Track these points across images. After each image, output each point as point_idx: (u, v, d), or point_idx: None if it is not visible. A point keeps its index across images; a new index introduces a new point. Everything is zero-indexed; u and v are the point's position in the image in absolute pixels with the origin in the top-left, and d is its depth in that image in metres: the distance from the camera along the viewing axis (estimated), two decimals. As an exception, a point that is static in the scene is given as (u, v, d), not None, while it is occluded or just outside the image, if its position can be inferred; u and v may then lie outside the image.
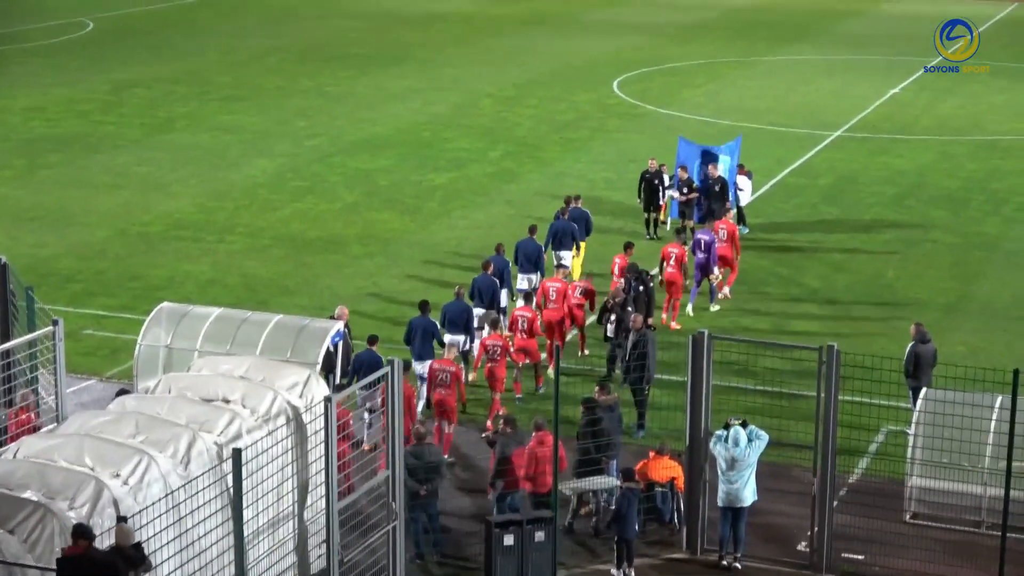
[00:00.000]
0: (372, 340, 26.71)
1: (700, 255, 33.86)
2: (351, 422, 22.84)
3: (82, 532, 16.66)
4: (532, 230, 33.60)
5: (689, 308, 33.54)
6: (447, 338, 28.15)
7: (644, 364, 26.49)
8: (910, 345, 26.45)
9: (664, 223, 39.25)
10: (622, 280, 30.67)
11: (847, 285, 35.96)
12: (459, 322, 28.65)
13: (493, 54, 70.71)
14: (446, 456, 24.70)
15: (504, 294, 30.93)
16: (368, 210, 42.41)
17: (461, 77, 64.13)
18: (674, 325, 32.39)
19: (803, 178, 45.96)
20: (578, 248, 34.65)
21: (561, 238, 34.13)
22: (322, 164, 47.96)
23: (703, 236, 34.23)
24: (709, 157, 39.04)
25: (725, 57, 70.70)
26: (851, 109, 57.25)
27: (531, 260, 32.69)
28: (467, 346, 28.79)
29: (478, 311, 29.82)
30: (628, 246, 32.96)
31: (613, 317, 29.15)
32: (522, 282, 32.39)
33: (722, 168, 38.74)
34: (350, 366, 26.66)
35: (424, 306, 28.30)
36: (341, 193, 44.32)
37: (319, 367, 23.85)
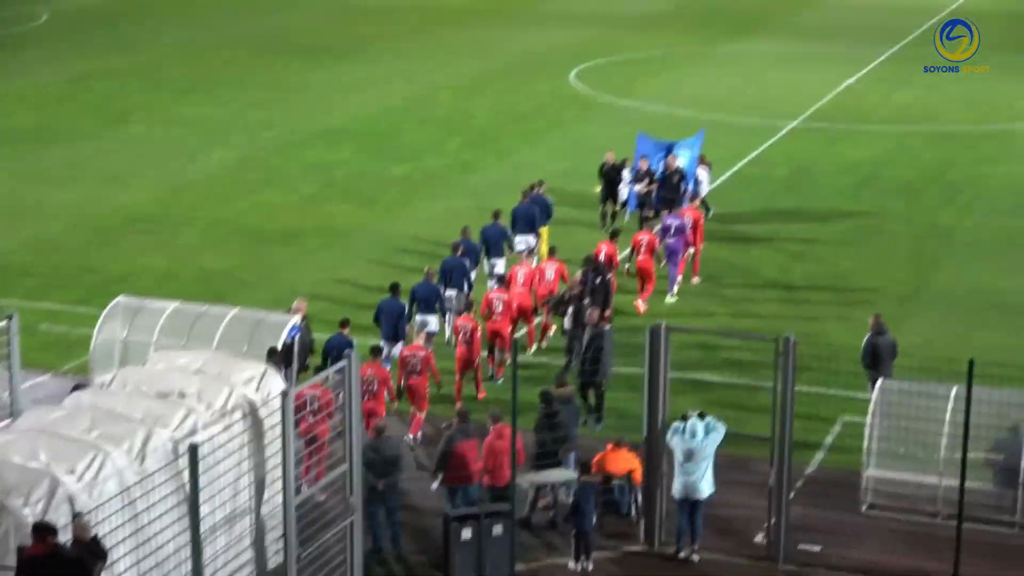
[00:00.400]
0: (344, 323, 26.91)
1: (670, 240, 34.12)
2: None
3: (47, 529, 16.54)
4: (496, 215, 34.10)
5: (671, 297, 33.82)
6: (417, 318, 28.44)
7: (599, 360, 26.41)
8: (867, 336, 26.49)
9: (622, 213, 39.22)
10: (579, 272, 30.73)
11: (804, 275, 36.08)
12: (430, 302, 29.14)
13: (449, 45, 70.60)
14: (414, 436, 24.83)
15: (472, 275, 31.39)
16: (326, 202, 42.31)
17: (417, 69, 64.01)
18: (642, 307, 32.49)
19: (760, 168, 46.09)
20: (537, 234, 34.88)
21: (522, 222, 34.54)
22: (279, 156, 47.81)
23: (671, 220, 34.48)
24: (666, 149, 39.23)
25: (682, 47, 70.80)
26: (807, 99, 57.41)
27: (496, 244, 33.25)
28: (437, 328, 29.26)
29: (450, 292, 30.37)
30: (615, 234, 33.68)
31: (571, 309, 29.14)
32: (495, 266, 33.01)
33: (682, 162, 38.86)
34: (309, 358, 26.61)
35: (394, 288, 28.77)
36: (298, 185, 44.20)
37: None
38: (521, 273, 30.52)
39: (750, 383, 26.75)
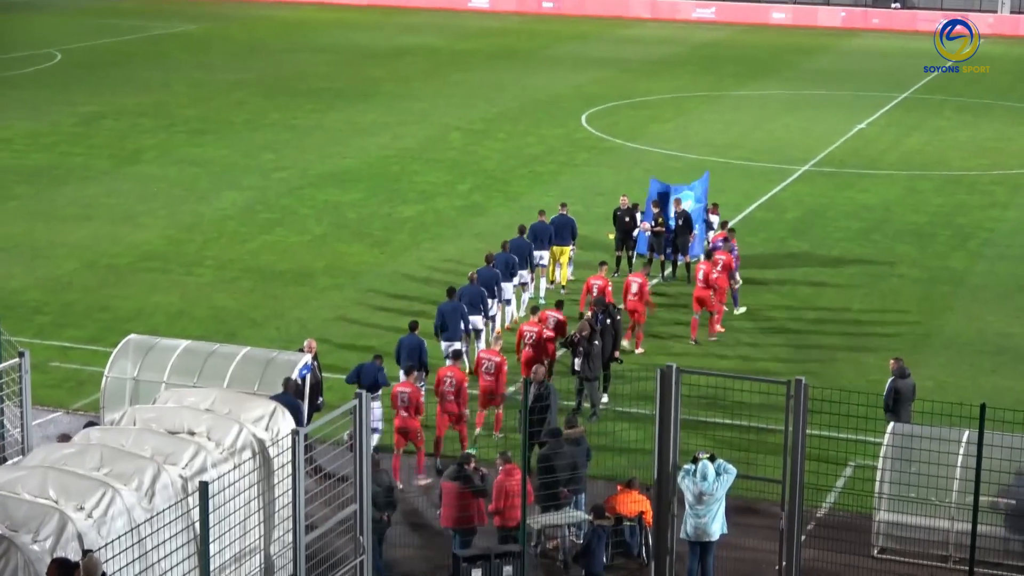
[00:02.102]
0: (413, 326, 28.45)
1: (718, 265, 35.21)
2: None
3: (67, 566, 16.41)
4: (521, 230, 36.14)
5: (738, 310, 35.58)
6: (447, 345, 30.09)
7: (545, 419, 25.23)
8: (890, 380, 26.32)
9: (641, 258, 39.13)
10: (589, 314, 30.67)
11: (815, 318, 35.98)
12: (476, 304, 31.40)
13: (461, 88, 70.77)
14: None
15: (509, 287, 34.03)
16: (337, 242, 42.31)
17: (429, 111, 64.14)
18: (639, 350, 32.53)
19: (770, 212, 46.08)
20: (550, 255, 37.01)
21: (541, 238, 36.49)
22: (291, 197, 47.84)
23: (719, 244, 36.01)
24: (676, 194, 39.33)
25: (693, 92, 70.92)
26: (818, 144, 57.45)
27: (523, 257, 34.90)
28: (483, 326, 31.84)
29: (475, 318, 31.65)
30: (602, 264, 34.13)
31: (580, 350, 29.08)
32: (518, 277, 34.74)
33: (688, 205, 38.91)
34: (320, 397, 26.57)
35: (451, 291, 31.16)
36: (310, 225, 44.21)
37: (286, 400, 23.72)
38: (530, 333, 29.93)
39: (761, 426, 26.61)
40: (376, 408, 26.21)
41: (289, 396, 23.94)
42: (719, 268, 34.08)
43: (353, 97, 67.42)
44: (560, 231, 37.08)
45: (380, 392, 26.80)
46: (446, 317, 30.43)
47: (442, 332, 30.42)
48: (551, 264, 37.45)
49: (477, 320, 31.44)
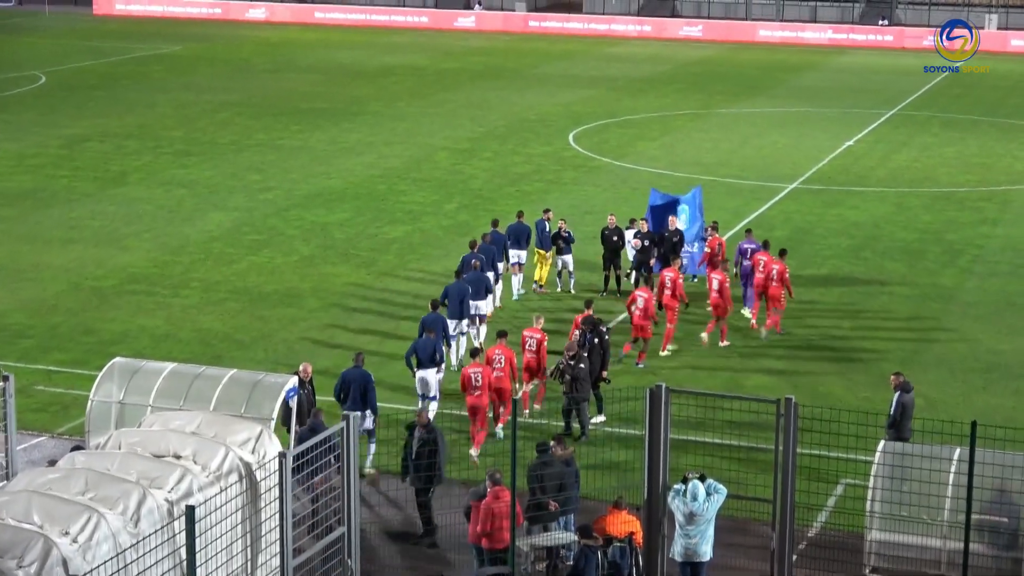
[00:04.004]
0: (358, 358, 27.99)
1: (747, 263, 36.42)
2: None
3: None
4: (520, 215, 39.15)
5: (746, 312, 36.48)
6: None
7: (434, 463, 24.49)
8: (896, 395, 26.23)
9: (628, 276, 39.13)
10: (577, 333, 30.64)
11: (804, 336, 35.95)
12: (480, 289, 34.01)
13: (447, 107, 70.82)
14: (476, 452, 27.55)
15: (501, 266, 36.96)
16: (324, 263, 42.25)
17: (415, 130, 64.17)
18: (640, 364, 32.65)
19: (758, 230, 45.90)
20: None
21: (519, 238, 38.47)
22: (277, 217, 47.79)
23: (748, 244, 37.31)
24: (673, 208, 39.48)
25: (680, 110, 71.03)
26: (806, 161, 57.54)
27: (520, 239, 38.26)
28: (487, 310, 34.73)
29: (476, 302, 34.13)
30: (588, 303, 33.02)
31: (565, 374, 29.12)
32: (512, 257, 37.92)
33: (682, 222, 39.03)
34: (311, 418, 26.47)
35: (459, 273, 33.91)
36: (297, 246, 44.15)
37: (273, 423, 23.67)
38: (532, 340, 30.22)
39: (751, 445, 26.55)
40: (433, 376, 29.14)
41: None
42: (638, 305, 33.29)
43: (339, 117, 67.42)
44: (517, 238, 38.45)
45: (440, 360, 29.42)
46: (450, 296, 32.89)
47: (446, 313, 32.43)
48: (540, 266, 39.15)
49: (481, 304, 34.08)
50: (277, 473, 18.52)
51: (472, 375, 28.33)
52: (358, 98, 73.31)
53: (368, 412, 27.09)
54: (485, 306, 34.57)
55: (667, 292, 34.44)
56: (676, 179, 52.79)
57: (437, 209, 49.25)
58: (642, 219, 39.28)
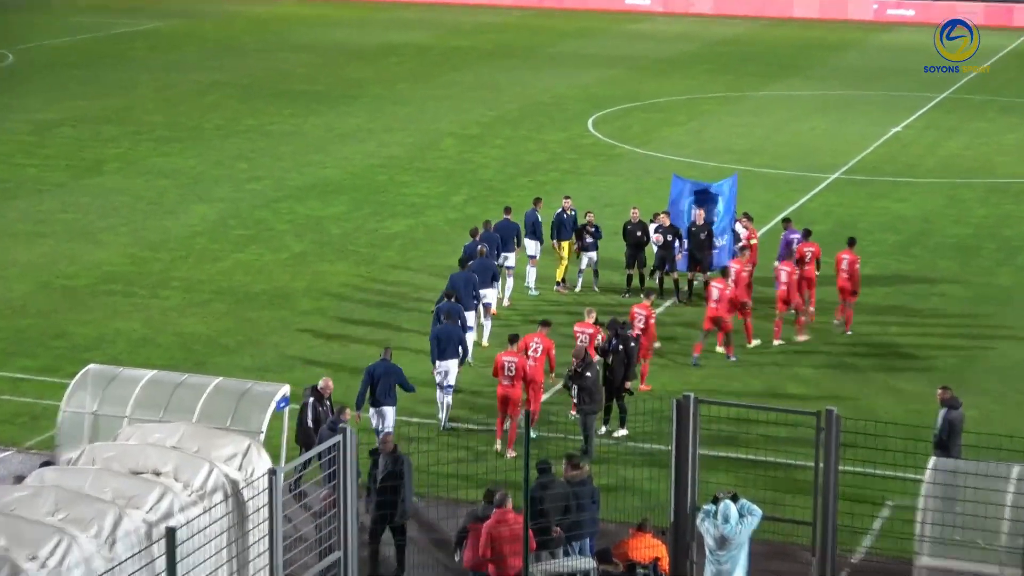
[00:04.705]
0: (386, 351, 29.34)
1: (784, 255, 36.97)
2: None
3: None
4: (507, 210, 39.32)
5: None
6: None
7: (398, 492, 24.19)
8: (941, 412, 26.08)
9: (652, 275, 39.05)
10: (598, 336, 30.65)
11: (847, 342, 35.82)
12: (486, 277, 34.89)
13: (454, 90, 70.76)
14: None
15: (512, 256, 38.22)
16: (318, 261, 42.20)
17: (419, 115, 64.11)
18: (644, 386, 32.41)
19: (798, 225, 45.93)
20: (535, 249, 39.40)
21: (505, 239, 38.36)
22: (267, 210, 47.76)
23: (792, 235, 37.84)
24: (703, 197, 39.28)
25: (709, 92, 70.94)
26: (849, 149, 57.40)
27: (509, 239, 38.38)
28: (493, 299, 35.48)
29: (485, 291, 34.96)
30: (651, 292, 34.77)
31: (571, 382, 29.04)
32: (501, 259, 37.66)
33: (716, 207, 39.01)
34: (333, 416, 26.49)
35: (464, 262, 34.60)
36: (288, 242, 44.11)
37: (262, 436, 23.60)
38: (536, 345, 30.36)
39: (789, 462, 26.46)
40: (455, 367, 30.34)
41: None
42: (639, 323, 33.14)
43: (335, 100, 67.41)
44: (505, 238, 38.39)
45: (465, 352, 30.74)
46: (458, 287, 33.35)
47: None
48: (561, 263, 39.36)
49: (487, 294, 34.91)
50: (267, 492, 18.45)
51: (506, 363, 29.01)
52: (357, 80, 73.29)
53: (391, 410, 28.42)
54: (492, 295, 35.36)
55: (732, 287, 34.58)
56: (705, 169, 52.69)
57: (443, 201, 49.20)
58: (663, 212, 39.20)
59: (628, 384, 30.03)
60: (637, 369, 31.14)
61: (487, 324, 35.14)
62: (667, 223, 38.57)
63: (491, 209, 47.01)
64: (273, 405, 24.18)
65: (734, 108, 66.91)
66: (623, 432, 29.82)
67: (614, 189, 50.52)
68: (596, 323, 31.36)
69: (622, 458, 28.32)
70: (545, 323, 30.98)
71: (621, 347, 29.95)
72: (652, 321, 32.93)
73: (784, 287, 35.66)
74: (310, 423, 26.68)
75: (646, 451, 27.65)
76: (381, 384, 28.46)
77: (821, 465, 21.45)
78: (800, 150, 57.49)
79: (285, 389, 25.30)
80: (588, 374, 28.80)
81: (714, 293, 34.37)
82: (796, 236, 37.86)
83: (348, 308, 37.99)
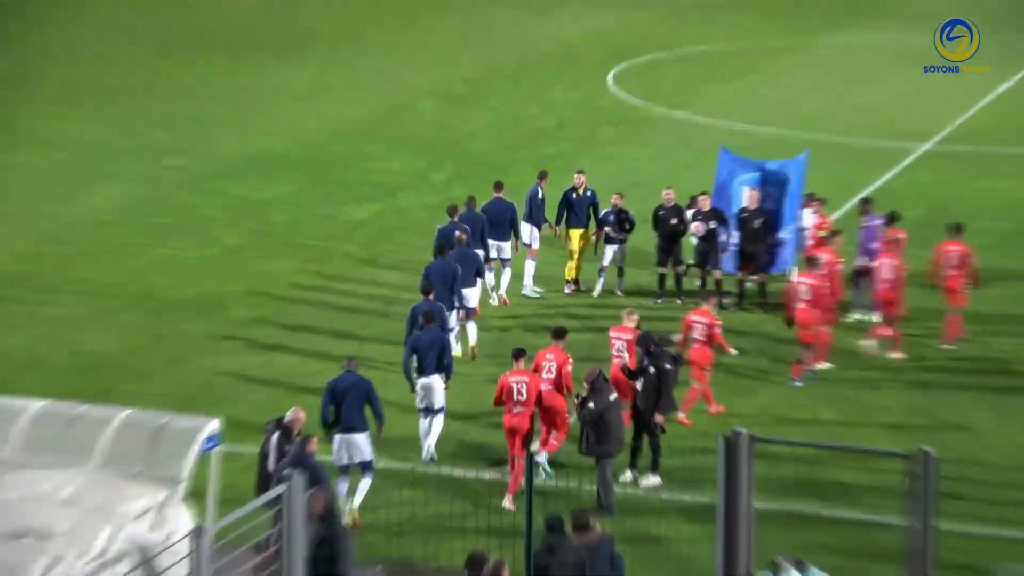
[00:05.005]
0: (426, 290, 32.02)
1: (861, 258, 37.29)
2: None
3: None
4: (498, 187, 39.41)
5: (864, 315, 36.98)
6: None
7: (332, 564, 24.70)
8: None
9: (685, 273, 38.97)
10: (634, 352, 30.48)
11: (944, 362, 35.69)
12: (468, 272, 34.98)
13: (435, 37, 70.89)
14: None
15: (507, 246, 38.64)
16: (259, 257, 42.17)
17: (390, 69, 64.17)
18: (684, 418, 32.13)
19: (878, 210, 45.88)
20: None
21: (496, 223, 38.77)
22: (193, 192, 47.75)
23: (874, 221, 38.14)
24: (754, 176, 39.13)
25: (764, 40, 71.00)
26: (945, 113, 57.45)
27: (502, 223, 38.67)
28: (475, 301, 35.67)
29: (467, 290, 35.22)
30: (712, 294, 34.28)
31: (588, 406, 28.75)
32: (492, 249, 38.22)
33: (776, 193, 38.87)
34: (295, 447, 26.37)
35: (442, 249, 34.76)
36: (220, 233, 44.07)
37: (184, 485, 23.38)
38: (550, 364, 30.28)
39: (871, 518, 26.36)
40: (439, 384, 30.30)
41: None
42: (697, 333, 33.19)
43: (280, 50, 67.47)
44: (496, 221, 38.77)
45: (449, 364, 30.67)
46: (435, 280, 33.71)
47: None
48: (572, 257, 39.93)
49: (469, 295, 35.18)
50: (190, 557, 18.21)
51: (515, 385, 28.90)
52: (308, 24, 73.35)
53: (364, 437, 27.95)
54: (474, 295, 35.56)
55: (804, 300, 34.34)
56: (759, 138, 52.69)
57: (421, 180, 49.20)
58: (702, 194, 38.93)
59: (659, 418, 29.67)
60: (677, 397, 30.86)
61: (471, 329, 35.13)
62: (708, 207, 38.37)
63: (482, 190, 46.89)
64: (199, 445, 24.00)
65: (797, 60, 66.98)
66: (654, 480, 29.59)
67: (642, 165, 50.47)
68: (638, 328, 31.22)
69: (653, 513, 28.13)
70: (559, 333, 30.71)
71: (652, 369, 29.63)
72: (717, 331, 32.67)
73: (888, 286, 35.56)
74: (272, 468, 26.46)
75: (685, 504, 27.50)
76: (348, 402, 28.33)
77: (912, 522, 21.24)
78: (882, 114, 57.57)
79: (214, 424, 25.10)
80: (591, 404, 28.40)
81: (802, 291, 34.12)
82: (878, 223, 37.85)
83: (297, 318, 37.89)
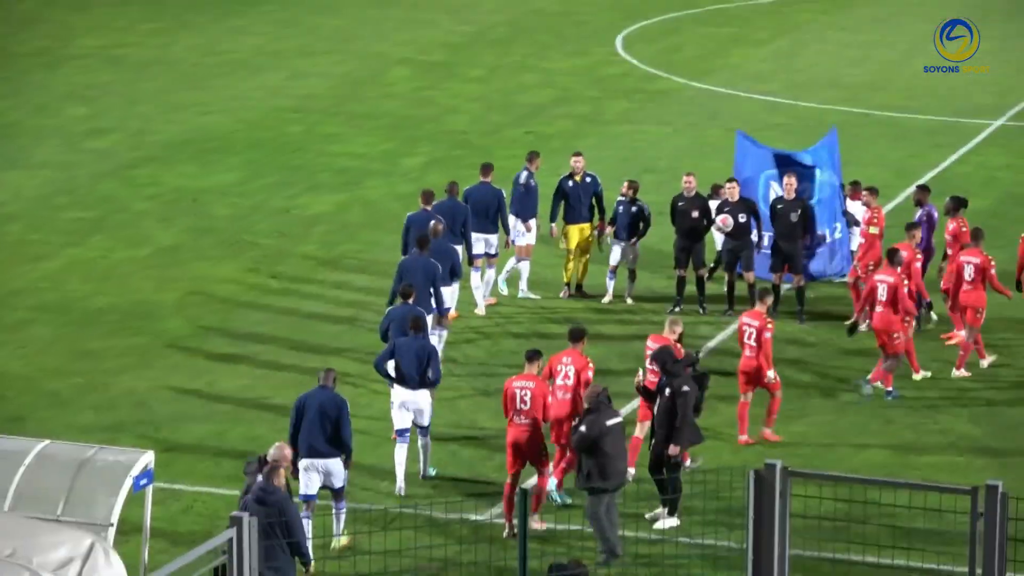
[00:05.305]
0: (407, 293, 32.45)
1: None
2: None
3: None
4: (486, 170, 40.00)
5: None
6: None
7: None
8: None
9: (710, 276, 39.15)
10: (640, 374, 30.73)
11: (1016, 382, 35.92)
12: (445, 269, 35.36)
13: (409, -9, 70.96)
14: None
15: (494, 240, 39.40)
16: (197, 259, 42.25)
17: (354, 31, 64.21)
18: (770, 434, 32.76)
19: (940, 199, 46.10)
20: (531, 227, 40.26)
21: (480, 213, 39.41)
22: (117, 181, 47.82)
23: (927, 210, 38.71)
24: (786, 167, 39.29)
25: (803, -6, 71.20)
26: (1022, 81, 57.48)
27: (488, 214, 39.32)
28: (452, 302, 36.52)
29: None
30: (768, 293, 34.48)
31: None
32: (477, 244, 38.95)
33: (812, 187, 39.08)
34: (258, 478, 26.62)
35: (421, 243, 35.06)
36: (151, 230, 44.17)
37: (112, 529, 23.68)
38: (567, 369, 30.76)
39: (930, 566, 26.63)
40: (427, 400, 30.99)
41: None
42: (751, 338, 33.51)
43: (222, 8, 67.43)
44: (480, 211, 39.35)
45: (435, 376, 31.10)
46: (413, 277, 34.27)
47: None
48: (568, 259, 40.28)
49: (446, 293, 35.61)
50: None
51: (518, 392, 29.19)
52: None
53: (337, 461, 28.18)
54: (451, 296, 36.36)
55: (883, 304, 34.65)
56: (798, 112, 52.86)
57: (391, 166, 49.31)
58: (729, 181, 38.99)
59: (674, 449, 29.66)
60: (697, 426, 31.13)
61: (442, 336, 35.53)
62: (736, 197, 38.37)
63: (466, 177, 47.20)
64: (129, 482, 24.29)
65: (843, 19, 67.10)
66: (671, 522, 29.81)
67: (657, 145, 50.61)
68: (679, 340, 31.47)
69: (670, 560, 28.41)
70: (577, 335, 31.11)
71: (668, 391, 29.69)
72: (768, 335, 33.00)
73: (971, 287, 35.81)
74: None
75: (708, 548, 27.76)
76: (319, 422, 28.54)
77: (979, 571, 21.59)
78: (944, 83, 57.63)
79: (148, 458, 25.43)
80: (583, 428, 28.51)
81: (880, 291, 34.51)
82: (923, 211, 38.46)
83: (245, 331, 38.02)
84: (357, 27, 64.58)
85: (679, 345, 31.08)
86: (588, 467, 28.21)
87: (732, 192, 38.58)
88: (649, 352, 31.07)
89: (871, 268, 36.68)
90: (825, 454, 32.29)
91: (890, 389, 34.60)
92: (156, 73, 58.46)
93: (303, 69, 59.13)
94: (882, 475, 30.39)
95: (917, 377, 35.30)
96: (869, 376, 34.67)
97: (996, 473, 27.03)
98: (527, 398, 29.06)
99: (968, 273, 35.48)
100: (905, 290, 34.45)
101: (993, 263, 35.72)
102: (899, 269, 34.78)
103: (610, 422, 28.31)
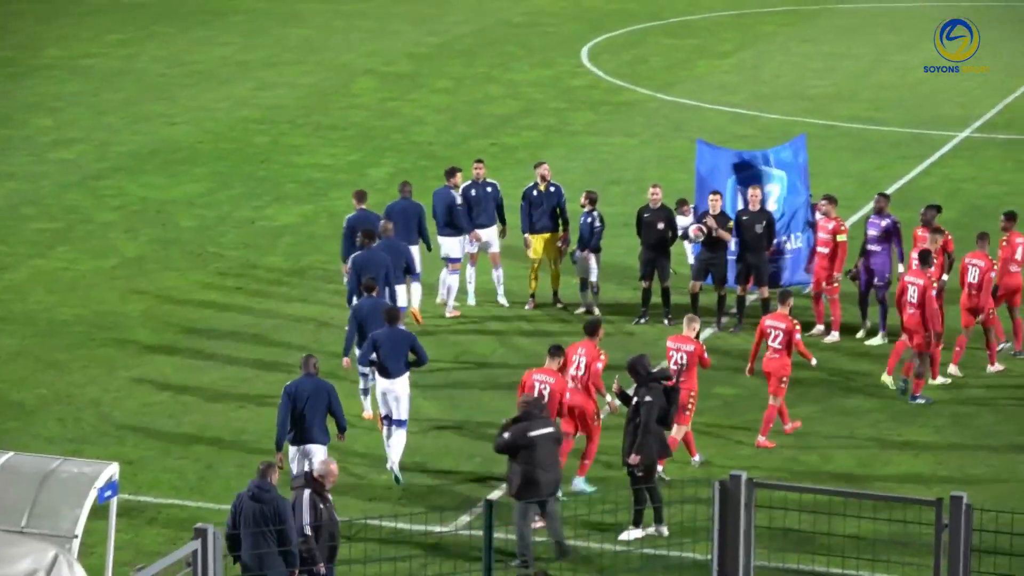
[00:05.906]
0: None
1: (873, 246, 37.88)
2: None
3: None
4: (451, 173, 40.57)
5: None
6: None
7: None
8: None
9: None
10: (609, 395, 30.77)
11: (983, 391, 35.95)
12: (398, 266, 35.61)
13: (375, 3, 70.83)
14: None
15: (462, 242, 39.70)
16: (163, 270, 42.20)
17: (320, 42, 64.22)
18: (765, 442, 32.94)
19: (907, 211, 46.05)
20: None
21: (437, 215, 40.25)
22: (82, 192, 47.77)
23: (887, 220, 38.61)
24: (748, 173, 39.23)
25: (769, 5, 71.15)
26: (987, 93, 57.60)
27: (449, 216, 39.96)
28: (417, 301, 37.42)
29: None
30: (789, 295, 34.12)
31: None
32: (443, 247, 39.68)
33: (773, 194, 38.99)
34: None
35: (369, 235, 35.18)
36: (116, 241, 44.14)
37: (77, 541, 23.62)
38: (580, 359, 30.90)
39: (892, 577, 26.63)
40: (404, 389, 31.18)
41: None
42: (777, 340, 33.52)
43: (189, 19, 67.40)
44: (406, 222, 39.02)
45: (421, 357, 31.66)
46: (375, 269, 34.46)
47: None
48: (532, 268, 40.18)
49: (400, 292, 35.75)
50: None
51: (537, 385, 29.51)
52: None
53: (325, 450, 28.64)
54: (403, 296, 36.53)
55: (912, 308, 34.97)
56: (763, 124, 52.88)
57: (357, 176, 49.25)
58: (713, 194, 38.75)
59: (634, 458, 29.55)
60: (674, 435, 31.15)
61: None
62: (718, 210, 38.16)
63: (431, 187, 47.24)
64: (94, 494, 24.24)
65: (808, 30, 67.19)
66: (635, 533, 29.75)
67: (623, 157, 50.60)
68: (697, 337, 31.88)
69: (632, 572, 28.38)
70: (592, 328, 31.67)
71: (635, 400, 29.66)
72: (798, 337, 33.16)
73: (976, 291, 36.14)
74: (309, 531, 26.15)
75: (672, 562, 27.75)
76: (308, 410, 28.84)
77: (943, 582, 21.61)
78: (911, 94, 57.75)
79: (112, 470, 25.38)
80: (506, 436, 28.39)
81: (910, 292, 34.66)
82: (889, 221, 38.67)
83: (210, 343, 38.00)
84: (323, 38, 64.61)
85: (699, 342, 31.89)
86: (514, 475, 28.17)
87: (715, 205, 38.35)
88: (672, 352, 31.77)
89: (849, 274, 37.07)
90: (792, 464, 32.31)
91: (916, 395, 34.96)
92: (122, 84, 58.43)
93: (269, 80, 59.14)
94: (848, 486, 30.42)
95: (935, 382, 35.70)
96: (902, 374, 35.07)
97: (958, 485, 27.03)
98: (545, 392, 29.20)
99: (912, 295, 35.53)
100: (934, 292, 34.83)
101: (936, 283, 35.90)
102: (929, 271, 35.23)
103: (536, 432, 28.20)
